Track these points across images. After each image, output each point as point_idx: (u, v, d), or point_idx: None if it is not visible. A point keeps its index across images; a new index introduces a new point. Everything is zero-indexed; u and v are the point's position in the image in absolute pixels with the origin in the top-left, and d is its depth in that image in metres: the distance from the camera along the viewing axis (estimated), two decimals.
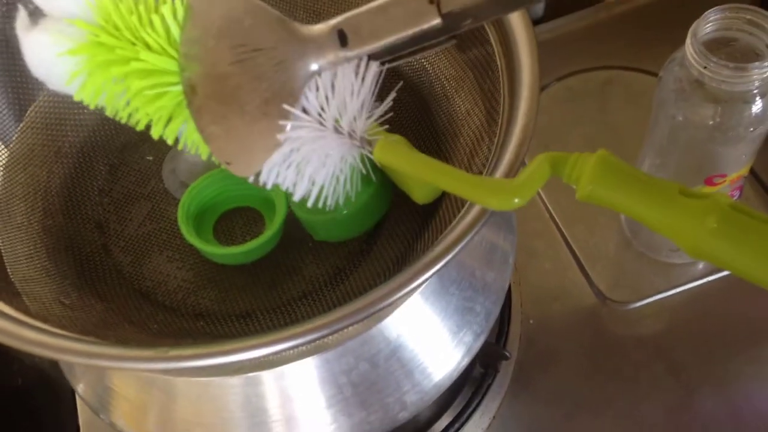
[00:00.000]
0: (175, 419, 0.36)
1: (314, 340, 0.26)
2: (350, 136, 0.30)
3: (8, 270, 0.34)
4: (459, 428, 0.48)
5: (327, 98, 0.29)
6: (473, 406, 0.48)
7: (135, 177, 0.43)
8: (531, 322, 0.52)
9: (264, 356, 0.26)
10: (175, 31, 0.31)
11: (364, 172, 0.33)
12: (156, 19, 0.31)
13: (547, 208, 0.57)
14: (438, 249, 0.30)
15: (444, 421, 0.49)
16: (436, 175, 0.29)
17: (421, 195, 0.38)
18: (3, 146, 0.40)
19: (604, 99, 0.63)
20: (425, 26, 0.26)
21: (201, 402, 0.36)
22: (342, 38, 0.27)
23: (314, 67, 0.29)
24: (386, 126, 0.33)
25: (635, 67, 0.64)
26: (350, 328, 0.34)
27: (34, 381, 0.58)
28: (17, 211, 0.38)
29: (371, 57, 0.28)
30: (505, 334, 0.51)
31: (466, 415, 0.48)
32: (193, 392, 0.36)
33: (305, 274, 0.39)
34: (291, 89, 0.28)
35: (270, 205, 0.41)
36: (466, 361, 0.40)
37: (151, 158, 0.45)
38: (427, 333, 0.38)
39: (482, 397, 0.49)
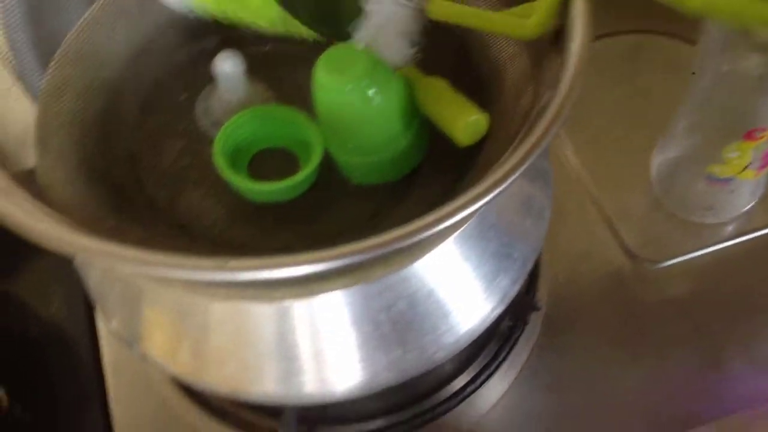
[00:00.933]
0: (208, 350, 0.36)
1: (363, 261, 0.26)
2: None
3: (48, 195, 0.33)
4: (486, 380, 0.48)
5: None
6: (501, 358, 0.48)
7: (168, 114, 0.43)
8: (560, 279, 0.52)
9: (324, 270, 0.25)
10: None
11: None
12: None
13: (577, 169, 0.57)
14: (487, 182, 0.30)
15: (470, 372, 0.48)
16: (478, 18, 0.36)
17: (464, 136, 0.38)
18: (38, 76, 0.40)
19: (635, 63, 0.63)
20: None
21: (236, 333, 0.35)
22: None
23: None
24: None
25: (667, 32, 0.63)
26: (399, 257, 0.34)
27: (49, 334, 0.58)
28: (53, 140, 0.37)
29: None
30: (534, 290, 0.51)
31: (493, 367, 0.48)
32: (228, 323, 0.35)
33: (343, 214, 0.39)
34: None
35: (305, 147, 0.41)
36: (501, 307, 0.39)
37: (184, 96, 0.44)
38: (464, 276, 0.38)
39: (510, 350, 0.49)
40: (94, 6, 0.43)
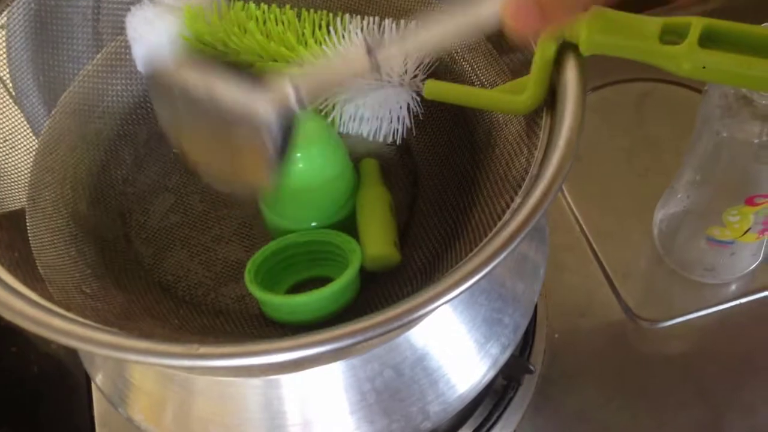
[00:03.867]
0: (193, 416, 0.35)
1: (348, 346, 0.25)
2: (400, 84, 0.38)
3: (34, 256, 0.33)
4: None
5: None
6: (494, 419, 0.47)
7: (159, 169, 0.43)
8: (556, 336, 0.51)
9: (294, 360, 0.25)
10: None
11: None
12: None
13: (578, 222, 0.56)
14: (481, 257, 0.29)
15: None
16: (472, 97, 0.36)
17: (370, 263, 0.36)
18: (33, 133, 0.40)
19: (641, 111, 0.62)
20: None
21: (220, 401, 0.35)
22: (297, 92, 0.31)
23: (275, 118, 0.31)
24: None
25: (674, 81, 0.62)
26: (381, 337, 0.33)
27: (50, 369, 0.57)
28: (45, 197, 0.37)
29: None
30: (530, 347, 0.50)
31: (486, 428, 0.47)
32: (213, 390, 0.35)
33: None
34: (265, 138, 0.31)
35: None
36: (491, 374, 0.39)
37: (177, 151, 0.44)
38: (453, 343, 0.37)
39: (503, 410, 0.48)
40: (96, 57, 0.44)
